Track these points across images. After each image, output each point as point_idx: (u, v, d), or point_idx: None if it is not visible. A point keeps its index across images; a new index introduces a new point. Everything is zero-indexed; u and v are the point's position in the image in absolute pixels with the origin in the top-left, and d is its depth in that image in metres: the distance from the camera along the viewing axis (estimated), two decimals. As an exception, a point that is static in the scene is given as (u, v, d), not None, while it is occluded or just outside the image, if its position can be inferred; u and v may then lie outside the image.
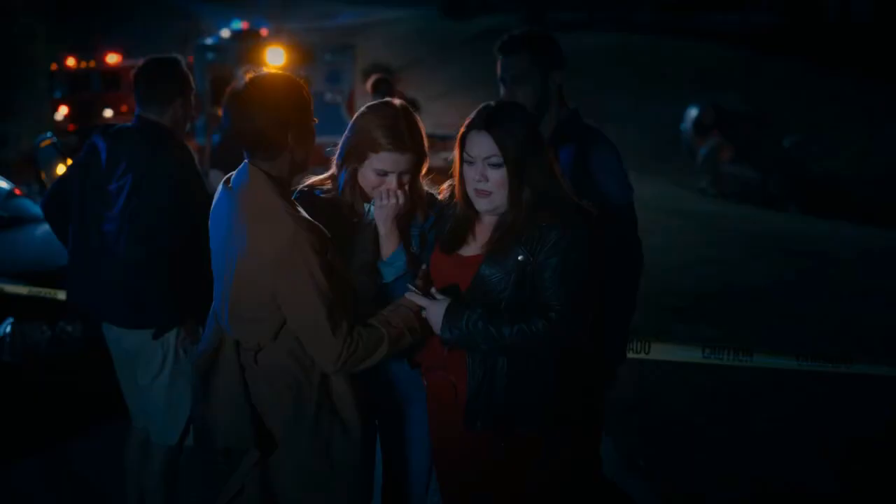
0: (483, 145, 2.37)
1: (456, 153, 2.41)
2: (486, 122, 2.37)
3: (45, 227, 5.38)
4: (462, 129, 2.43)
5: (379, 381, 2.46)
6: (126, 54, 24.52)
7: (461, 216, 2.48)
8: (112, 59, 22.49)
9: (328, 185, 2.60)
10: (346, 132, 2.51)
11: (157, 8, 50.21)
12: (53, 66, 21.71)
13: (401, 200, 2.45)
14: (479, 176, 2.39)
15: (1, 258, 4.80)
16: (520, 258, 2.35)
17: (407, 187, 2.49)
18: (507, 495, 2.44)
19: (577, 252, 2.34)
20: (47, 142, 5.95)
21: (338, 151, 2.55)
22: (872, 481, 4.13)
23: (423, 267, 2.49)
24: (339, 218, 2.49)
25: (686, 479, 4.15)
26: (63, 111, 21.44)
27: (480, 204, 2.43)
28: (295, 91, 2.35)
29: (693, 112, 22.15)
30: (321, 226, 2.29)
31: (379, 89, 7.83)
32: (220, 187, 2.44)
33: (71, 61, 22.19)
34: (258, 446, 2.32)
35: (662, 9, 43.44)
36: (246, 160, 2.36)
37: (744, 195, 18.79)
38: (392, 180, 2.45)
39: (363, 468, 2.38)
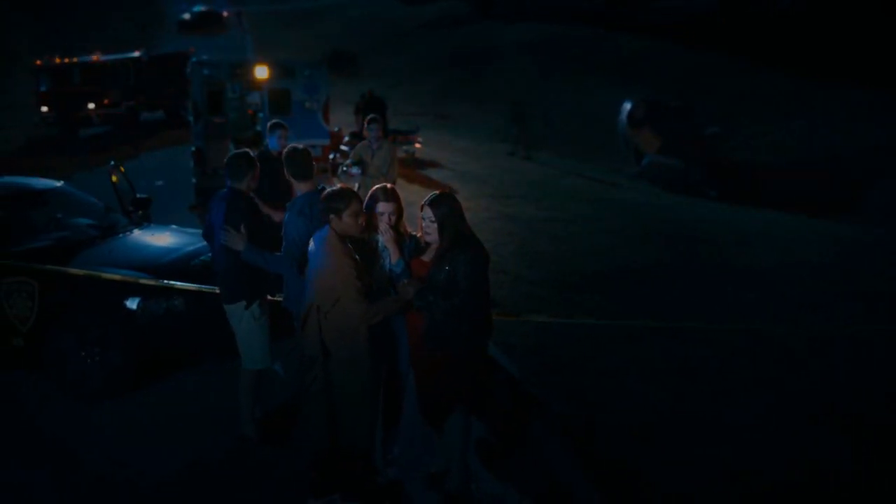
0: (427, 213, 4.60)
1: (419, 215, 4.64)
2: (428, 202, 4.62)
3: (138, 234, 7.26)
4: (421, 205, 4.66)
5: (388, 320, 4.76)
6: (101, 48, 25.92)
7: (422, 243, 4.78)
8: (92, 54, 23.88)
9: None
10: (366, 202, 4.82)
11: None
12: (38, 62, 23.07)
13: (390, 230, 4.71)
14: (427, 227, 4.63)
15: (119, 257, 6.65)
16: (447, 268, 4.49)
17: (394, 219, 4.76)
18: (441, 374, 4.65)
19: (472, 266, 4.52)
20: (115, 168, 7.82)
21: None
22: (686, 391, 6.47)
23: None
24: (361, 244, 4.79)
25: (573, 391, 6.38)
26: (47, 103, 22.77)
27: (427, 239, 4.69)
28: (348, 196, 4.60)
29: (627, 106, 23.69)
30: (356, 256, 4.55)
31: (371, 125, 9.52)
32: (316, 234, 4.71)
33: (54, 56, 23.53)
34: (323, 356, 4.51)
35: (604, -1, 45.39)
36: (327, 224, 4.65)
37: (668, 183, 20.13)
38: (385, 217, 4.76)
39: (374, 366, 4.60)
